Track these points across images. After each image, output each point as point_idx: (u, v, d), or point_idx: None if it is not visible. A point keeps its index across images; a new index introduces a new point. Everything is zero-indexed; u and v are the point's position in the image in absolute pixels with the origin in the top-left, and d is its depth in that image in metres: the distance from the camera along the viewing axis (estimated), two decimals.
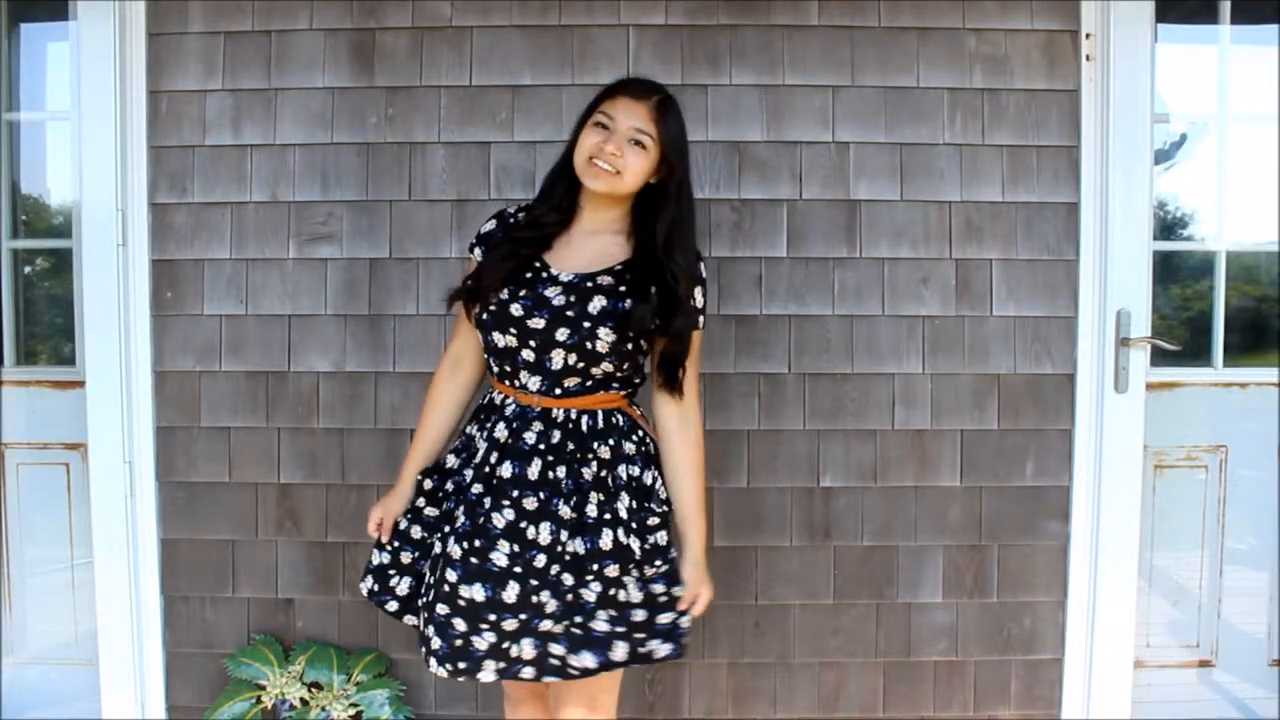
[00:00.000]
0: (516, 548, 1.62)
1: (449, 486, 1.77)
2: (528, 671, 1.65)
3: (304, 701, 2.28)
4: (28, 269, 2.64)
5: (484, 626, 1.62)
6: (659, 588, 1.68)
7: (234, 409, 2.37)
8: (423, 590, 1.74)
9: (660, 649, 1.68)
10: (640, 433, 1.76)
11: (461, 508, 1.67)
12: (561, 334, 1.65)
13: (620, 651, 1.66)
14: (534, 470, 1.66)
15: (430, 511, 1.78)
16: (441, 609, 1.63)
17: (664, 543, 1.71)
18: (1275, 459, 2.53)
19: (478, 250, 1.79)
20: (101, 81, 2.32)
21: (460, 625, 1.62)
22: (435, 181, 2.34)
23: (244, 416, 2.37)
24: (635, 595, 1.67)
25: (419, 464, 1.83)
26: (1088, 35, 2.33)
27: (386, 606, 1.79)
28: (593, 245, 1.75)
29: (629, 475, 1.71)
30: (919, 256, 2.35)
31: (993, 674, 2.40)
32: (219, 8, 2.34)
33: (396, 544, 1.79)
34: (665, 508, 1.74)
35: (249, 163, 2.35)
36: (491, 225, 1.82)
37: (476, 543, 1.63)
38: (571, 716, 1.73)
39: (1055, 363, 2.36)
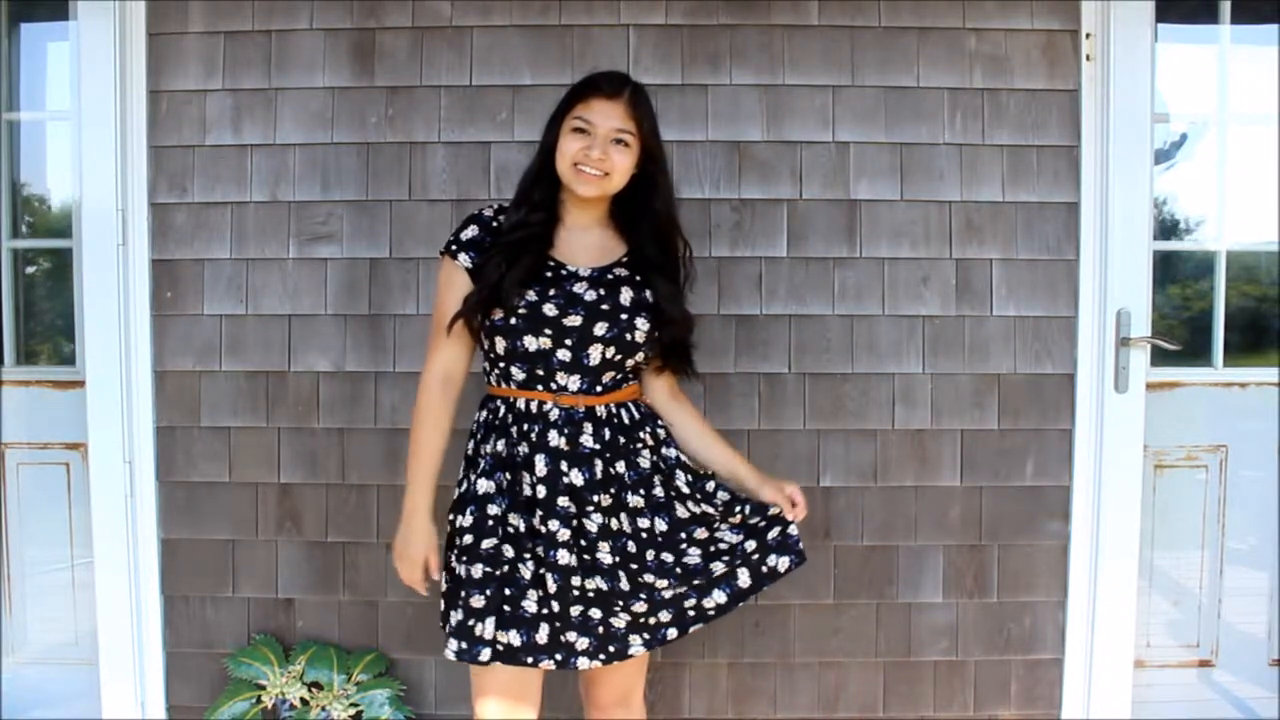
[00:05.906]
0: (611, 542, 1.67)
1: (491, 510, 1.66)
2: (671, 633, 1.71)
3: (304, 701, 2.27)
4: (28, 269, 2.64)
5: (617, 608, 1.67)
6: (755, 519, 1.77)
7: (234, 409, 2.37)
8: (530, 610, 1.64)
9: (781, 562, 1.75)
10: (659, 418, 1.82)
11: (555, 521, 1.64)
12: (600, 329, 1.66)
13: (744, 578, 1.73)
14: (598, 470, 1.67)
15: (488, 543, 1.65)
16: (576, 610, 1.65)
17: (729, 496, 1.78)
18: (1275, 459, 2.53)
19: (463, 256, 1.69)
20: (101, 81, 2.32)
21: (596, 614, 1.66)
22: (435, 181, 2.34)
23: (244, 416, 2.37)
24: (734, 537, 1.75)
25: (430, 493, 1.70)
26: (1088, 35, 2.33)
27: (480, 658, 1.62)
28: (590, 240, 1.75)
29: (673, 455, 1.78)
30: (919, 256, 2.35)
31: (993, 674, 2.40)
32: (219, 8, 2.34)
33: (464, 594, 1.63)
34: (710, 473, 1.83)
35: (249, 163, 2.35)
36: (474, 231, 1.72)
37: (582, 542, 1.65)
38: (607, 716, 1.79)
39: (1055, 362, 2.36)
